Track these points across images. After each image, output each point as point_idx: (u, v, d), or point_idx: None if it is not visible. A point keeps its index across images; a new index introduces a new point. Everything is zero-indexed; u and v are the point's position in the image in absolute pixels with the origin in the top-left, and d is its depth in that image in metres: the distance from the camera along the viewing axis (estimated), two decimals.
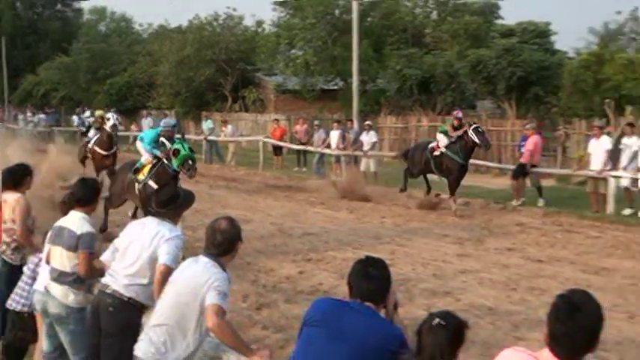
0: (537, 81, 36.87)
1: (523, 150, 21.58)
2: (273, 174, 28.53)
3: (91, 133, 23.23)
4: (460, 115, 20.79)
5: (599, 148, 19.88)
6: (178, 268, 5.85)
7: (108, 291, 6.35)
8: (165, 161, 13.96)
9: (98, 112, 24.48)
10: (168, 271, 5.95)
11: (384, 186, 24.12)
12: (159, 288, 5.91)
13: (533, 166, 20.83)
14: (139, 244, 6.38)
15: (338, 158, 28.23)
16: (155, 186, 13.30)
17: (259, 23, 52.01)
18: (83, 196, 7.25)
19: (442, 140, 19.81)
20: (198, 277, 5.51)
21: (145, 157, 14.48)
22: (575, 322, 3.68)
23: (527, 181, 21.24)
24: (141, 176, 14.25)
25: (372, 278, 4.64)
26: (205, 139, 33.69)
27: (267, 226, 16.99)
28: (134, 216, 14.83)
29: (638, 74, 30.95)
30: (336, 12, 43.75)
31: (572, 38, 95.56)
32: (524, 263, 14.09)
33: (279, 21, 47.32)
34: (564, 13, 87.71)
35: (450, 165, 19.47)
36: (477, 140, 19.11)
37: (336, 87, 44.77)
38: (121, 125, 23.92)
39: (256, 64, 49.03)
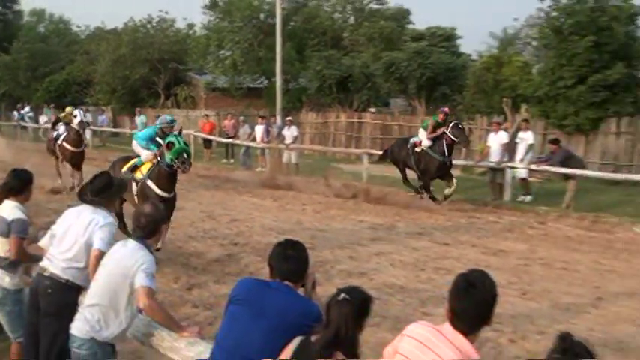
0: (444, 81, 37.36)
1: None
2: (204, 165, 28.33)
3: (61, 129, 21.18)
4: (447, 110, 19.62)
5: (497, 141, 20.26)
6: (109, 252, 5.79)
7: (46, 274, 6.26)
8: (159, 159, 12.24)
9: (68, 109, 22.37)
10: (101, 255, 5.89)
11: (304, 176, 24.42)
12: (93, 270, 5.84)
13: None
14: (74, 231, 6.30)
15: (262, 151, 28.23)
16: (154, 186, 11.99)
17: (190, 26, 51.84)
18: (15, 186, 7.17)
19: (424, 138, 18.60)
20: (127, 260, 5.49)
21: (145, 156, 12.78)
22: (470, 297, 3.74)
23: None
24: (139, 174, 12.49)
25: (290, 259, 4.63)
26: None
27: (197, 214, 16.84)
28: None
29: (532, 76, 31.43)
30: (262, 16, 43.80)
31: (475, 42, 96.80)
32: (431, 246, 14.20)
33: (209, 24, 47.14)
34: (468, 19, 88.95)
35: (428, 164, 18.31)
36: (454, 138, 17.81)
37: (261, 85, 44.78)
38: (89, 123, 21.84)
39: (187, 64, 49.18)
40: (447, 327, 3.74)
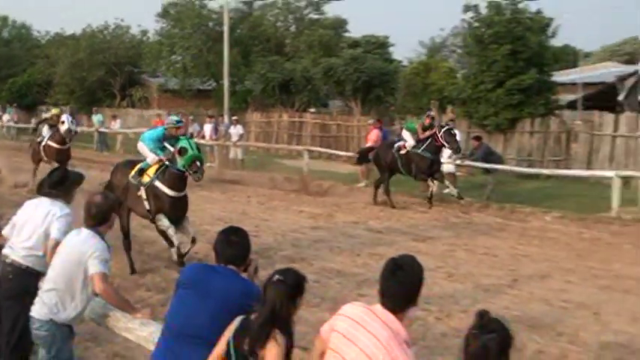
0: (378, 84, 37.42)
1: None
2: None
3: (44, 131, 19.28)
4: (433, 113, 18.76)
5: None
6: (64, 240, 5.72)
7: (8, 261, 6.21)
8: (168, 163, 10.89)
9: (54, 111, 20.81)
10: (57, 244, 5.82)
11: (249, 171, 24.53)
12: (51, 258, 5.76)
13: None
14: (33, 221, 6.24)
15: (211, 148, 28.08)
16: (164, 187, 10.73)
17: (144, 32, 51.11)
18: None
19: (409, 139, 17.54)
20: (81, 247, 5.45)
21: (151, 158, 11.36)
22: (396, 279, 3.75)
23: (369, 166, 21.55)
24: (146, 178, 11.10)
25: (233, 244, 4.60)
26: (97, 130, 33.48)
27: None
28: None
29: (457, 80, 31.74)
30: (210, 24, 43.59)
31: (405, 49, 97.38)
32: (366, 234, 14.27)
33: (162, 31, 46.66)
34: (400, 29, 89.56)
35: (419, 162, 17.10)
36: (446, 144, 16.84)
37: (210, 87, 44.70)
38: (76, 128, 19.75)
39: (141, 67, 48.77)
40: (378, 307, 3.74)
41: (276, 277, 4.06)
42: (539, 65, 26.13)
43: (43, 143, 18.69)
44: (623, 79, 27.12)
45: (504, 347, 3.33)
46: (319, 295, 9.68)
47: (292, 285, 4.04)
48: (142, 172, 11.26)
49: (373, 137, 21.48)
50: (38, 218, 6.22)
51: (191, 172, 10.48)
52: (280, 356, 3.85)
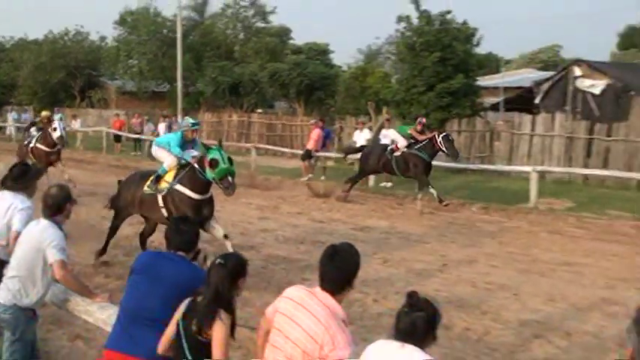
0: (320, 87, 37.65)
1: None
2: (115, 157, 27.89)
3: (33, 132, 17.64)
4: (424, 121, 17.49)
5: (362, 137, 20.71)
6: (24, 230, 5.63)
7: None
8: (197, 167, 9.34)
9: (44, 113, 19.27)
10: (19, 235, 5.71)
11: None
12: (14, 247, 5.66)
13: (317, 151, 21.08)
14: None
15: None
16: (187, 190, 9.38)
17: (102, 38, 50.51)
18: None
19: (401, 141, 16.44)
20: (39, 236, 5.36)
21: (168, 163, 9.89)
22: (334, 264, 3.76)
23: (312, 162, 21.56)
24: (163, 184, 9.66)
25: (183, 233, 4.56)
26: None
27: (109, 197, 16.36)
28: (142, 237, 10.70)
29: (391, 84, 31.93)
30: (165, 31, 43.39)
31: (345, 56, 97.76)
32: (309, 224, 14.25)
33: (119, 37, 46.37)
34: (340, 37, 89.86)
35: (416, 162, 15.96)
36: (445, 150, 15.71)
37: (164, 89, 44.61)
38: (66, 129, 18.01)
39: (100, 71, 48.58)
40: (318, 289, 3.75)
41: (218, 260, 4.04)
42: (465, 71, 26.42)
43: (31, 145, 16.96)
44: (539, 83, 27.50)
45: (431, 324, 3.37)
46: (266, 279, 9.65)
47: (233, 268, 4.02)
48: (158, 179, 9.84)
49: (315, 136, 21.48)
50: (1, 211, 6.12)
51: (222, 186, 9.09)
52: (226, 333, 3.85)
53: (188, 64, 39.40)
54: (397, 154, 16.36)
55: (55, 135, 16.36)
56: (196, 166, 9.37)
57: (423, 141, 16.11)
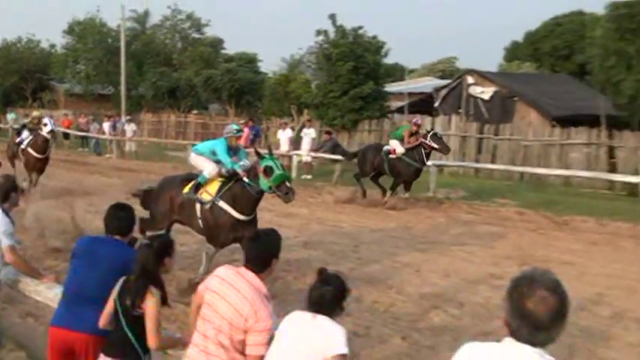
0: (248, 92, 37.46)
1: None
2: (64, 152, 27.01)
3: (24, 134, 15.71)
4: (419, 122, 16.11)
5: (285, 136, 20.75)
6: None
7: None
8: (246, 180, 7.86)
9: (35, 113, 17.74)
10: None
11: (142, 160, 24.06)
12: None
13: (245, 147, 21.04)
14: None
15: (110, 142, 27.51)
16: (229, 209, 7.92)
17: (52, 46, 49.10)
18: None
19: (398, 147, 15.12)
20: None
21: (209, 171, 8.40)
22: (257, 245, 3.78)
23: None
24: (205, 195, 8.15)
25: (120, 218, 4.43)
26: (11, 127, 31.81)
27: (57, 189, 15.78)
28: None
29: (311, 89, 31.97)
30: (109, 40, 42.67)
31: (270, 64, 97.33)
32: None
33: (68, 45, 45.32)
34: (266, 47, 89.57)
35: (404, 169, 15.03)
36: (435, 146, 14.85)
37: (109, 92, 43.85)
38: (57, 128, 16.26)
39: (50, 75, 47.10)
40: (244, 269, 3.73)
41: (145, 241, 4.00)
42: (375, 78, 26.74)
43: (22, 146, 15.23)
44: (438, 90, 27.99)
45: (338, 297, 3.43)
46: (200, 260, 9.48)
47: (158, 248, 3.94)
48: (198, 187, 8.33)
49: (243, 135, 21.75)
50: None
51: (280, 193, 7.74)
52: (157, 305, 3.80)
53: (131, 70, 38.83)
54: (392, 157, 15.18)
55: (46, 130, 14.74)
56: (245, 179, 7.88)
57: (411, 147, 15.04)
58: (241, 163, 8.22)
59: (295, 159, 19.90)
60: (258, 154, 7.90)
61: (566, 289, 2.44)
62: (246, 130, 22.12)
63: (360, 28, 27.24)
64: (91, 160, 23.89)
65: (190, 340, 3.74)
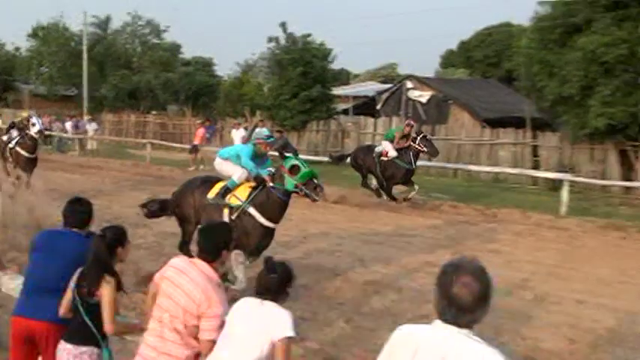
0: (205, 94, 37.24)
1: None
2: None
3: (14, 133, 14.66)
4: (412, 123, 15.24)
5: (238, 135, 20.99)
6: None
7: None
8: (271, 184, 7.34)
9: (24, 114, 16.50)
10: None
11: (103, 158, 23.73)
12: None
13: (201, 145, 20.95)
14: None
15: (73, 140, 26.98)
16: (258, 215, 7.29)
17: (17, 49, 47.65)
18: None
19: (391, 150, 14.46)
20: None
21: (238, 176, 7.68)
22: (207, 236, 3.77)
23: (199, 155, 21.57)
24: (234, 200, 7.44)
25: (78, 212, 4.32)
26: None
27: (22, 186, 15.33)
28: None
29: (264, 92, 31.94)
30: (72, 44, 41.52)
31: (225, 68, 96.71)
32: None
33: (32, 48, 43.96)
34: (221, 52, 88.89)
35: (394, 172, 14.43)
36: (424, 149, 14.26)
37: (72, 93, 42.56)
38: (47, 129, 15.07)
39: (15, 76, 45.72)
40: (197, 259, 3.72)
41: (99, 232, 3.93)
42: (322, 82, 26.82)
43: (11, 146, 14.31)
44: (380, 93, 28.28)
45: (283, 284, 3.45)
46: (157, 252, 9.42)
47: (110, 238, 3.89)
48: (226, 191, 7.58)
49: (199, 134, 22.35)
50: None
51: (308, 190, 7.19)
52: (112, 291, 3.75)
53: (93, 73, 38.34)
54: (384, 159, 14.58)
55: (34, 130, 13.83)
56: (271, 183, 7.35)
57: (401, 149, 14.43)
58: (271, 169, 7.64)
59: None
60: (282, 155, 7.51)
61: (492, 275, 2.50)
62: (201, 129, 22.46)
63: (309, 35, 27.41)
64: (53, 158, 23.31)
65: (147, 326, 3.70)
